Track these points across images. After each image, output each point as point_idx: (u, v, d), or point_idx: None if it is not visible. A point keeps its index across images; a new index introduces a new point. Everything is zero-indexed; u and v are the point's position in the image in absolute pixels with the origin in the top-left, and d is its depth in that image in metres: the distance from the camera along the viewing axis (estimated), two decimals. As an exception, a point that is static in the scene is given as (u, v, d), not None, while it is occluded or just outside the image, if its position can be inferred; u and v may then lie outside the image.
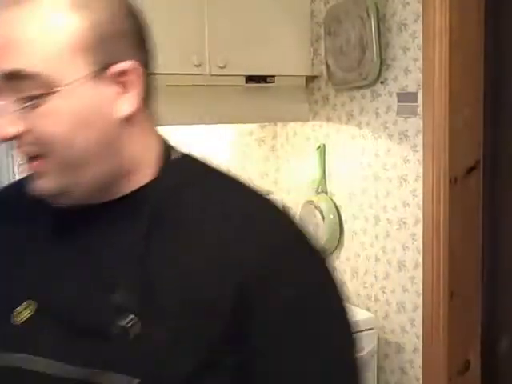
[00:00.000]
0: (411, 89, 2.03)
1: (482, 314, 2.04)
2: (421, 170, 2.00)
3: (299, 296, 0.71)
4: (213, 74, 2.11)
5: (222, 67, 2.11)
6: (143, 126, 0.77)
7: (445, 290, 1.96)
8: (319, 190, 2.40)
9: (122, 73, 0.72)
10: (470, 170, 1.92)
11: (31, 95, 0.68)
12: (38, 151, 0.71)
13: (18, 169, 2.16)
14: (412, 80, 2.03)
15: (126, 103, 0.73)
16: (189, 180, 0.79)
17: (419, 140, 2.01)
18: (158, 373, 0.68)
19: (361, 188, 2.26)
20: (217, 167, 0.83)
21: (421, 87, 1.97)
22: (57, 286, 0.74)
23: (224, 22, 2.13)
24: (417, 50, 2.00)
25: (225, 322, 0.69)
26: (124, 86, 0.73)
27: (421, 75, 1.97)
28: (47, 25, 0.67)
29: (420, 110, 1.99)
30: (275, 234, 0.74)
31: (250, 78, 2.21)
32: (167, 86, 2.03)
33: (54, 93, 0.68)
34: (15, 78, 0.68)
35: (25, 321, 0.73)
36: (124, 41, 0.73)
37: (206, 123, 2.27)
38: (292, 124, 2.56)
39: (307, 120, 2.43)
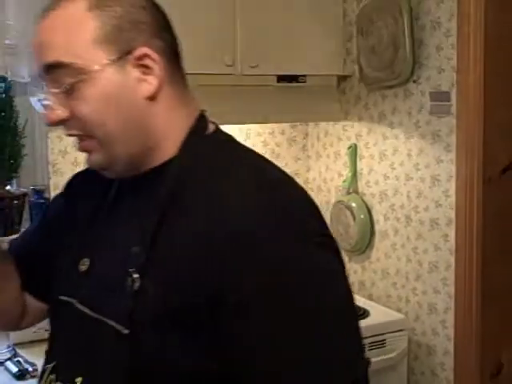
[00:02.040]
0: (444, 88, 1.99)
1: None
2: (454, 170, 1.97)
3: (278, 267, 0.77)
4: (244, 73, 2.10)
5: (253, 67, 2.10)
6: (168, 104, 0.87)
7: (477, 292, 1.92)
8: (350, 190, 2.37)
9: (140, 58, 0.83)
10: (505, 170, 1.87)
11: (67, 83, 0.82)
12: (81, 132, 0.86)
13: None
14: (445, 79, 1.99)
15: (147, 85, 0.84)
16: (203, 158, 0.87)
17: (452, 140, 1.98)
18: (146, 324, 0.80)
19: (392, 188, 2.23)
20: (238, 145, 0.92)
21: (454, 86, 1.93)
22: (101, 246, 0.90)
23: (256, 22, 2.12)
24: (450, 48, 1.96)
25: (206, 286, 0.77)
26: (143, 70, 0.84)
27: (454, 74, 1.93)
28: (71, 26, 0.82)
29: (453, 109, 1.95)
30: (262, 213, 0.80)
31: (281, 78, 2.20)
32: (199, 85, 2.03)
33: (83, 79, 0.82)
34: (53, 68, 0.83)
35: (83, 271, 0.90)
36: (140, 31, 0.84)
37: (237, 123, 2.26)
38: (323, 124, 2.54)
39: (339, 120, 2.40)
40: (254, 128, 2.52)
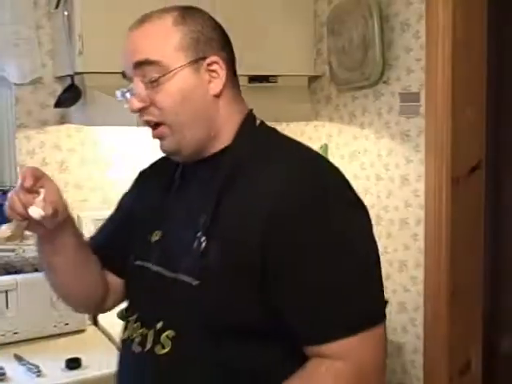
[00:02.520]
0: (414, 89, 2.01)
1: (483, 314, 2.02)
2: (423, 170, 1.99)
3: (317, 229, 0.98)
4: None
5: (224, 67, 2.09)
6: (227, 102, 1.09)
7: (446, 290, 1.95)
8: (321, 190, 2.38)
9: (210, 64, 1.06)
10: (473, 169, 1.90)
11: (152, 78, 1.03)
12: (157, 120, 1.06)
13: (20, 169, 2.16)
14: (415, 80, 2.01)
15: (214, 86, 1.07)
16: (253, 146, 1.08)
17: (421, 140, 1.99)
18: (211, 276, 1.00)
19: (363, 188, 2.24)
20: (280, 135, 1.16)
21: (423, 87, 1.95)
22: (171, 219, 1.12)
23: (227, 22, 2.10)
24: (419, 49, 1.98)
25: (256, 244, 0.98)
26: (212, 73, 1.06)
27: (423, 75, 1.95)
28: (159, 35, 1.06)
29: (422, 109, 1.97)
30: (306, 185, 1.00)
31: (252, 78, 2.19)
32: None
33: (165, 75, 1.03)
34: (142, 64, 1.04)
35: (155, 240, 1.12)
36: (211, 43, 1.08)
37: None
38: (294, 124, 2.54)
39: (310, 120, 2.41)
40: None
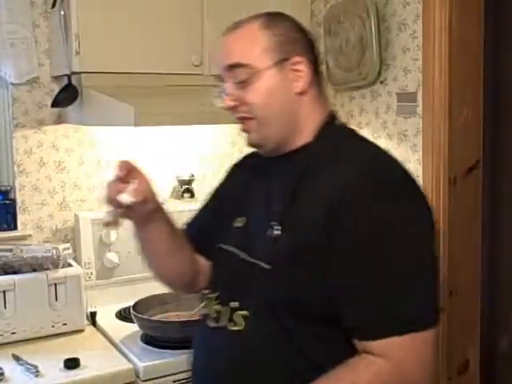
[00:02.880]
0: (411, 89, 2.02)
1: (481, 314, 2.02)
2: (420, 170, 1.99)
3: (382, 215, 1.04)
4: (212, 73, 2.07)
5: (221, 67, 2.09)
6: (310, 101, 1.18)
7: (444, 290, 1.95)
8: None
9: (294, 64, 1.16)
10: (470, 169, 1.90)
11: (242, 79, 1.15)
12: (247, 115, 1.17)
13: (18, 168, 2.16)
14: (412, 80, 2.02)
15: (298, 84, 1.16)
16: (330, 145, 1.16)
17: (419, 140, 2.00)
18: (282, 262, 1.09)
19: (360, 188, 2.24)
20: (358, 135, 1.23)
21: (420, 87, 1.96)
22: (252, 208, 1.23)
23: (223, 22, 2.10)
24: (416, 49, 1.98)
25: (322, 234, 1.06)
26: (296, 73, 1.16)
27: (420, 75, 1.95)
28: (248, 39, 1.17)
29: (420, 109, 1.97)
30: (378, 175, 1.09)
31: (249, 78, 2.19)
32: (166, 86, 2.02)
33: (253, 76, 1.14)
34: (234, 67, 1.16)
35: (236, 227, 1.23)
36: (294, 45, 1.17)
37: (205, 123, 2.25)
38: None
39: (307, 120, 2.40)
40: (223, 128, 2.52)
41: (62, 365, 1.69)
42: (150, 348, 1.81)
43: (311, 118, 1.18)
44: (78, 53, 1.89)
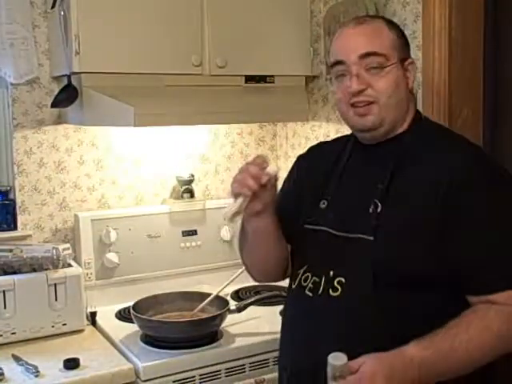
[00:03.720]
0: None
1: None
2: (420, 170, 1.99)
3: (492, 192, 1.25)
4: (212, 74, 2.09)
5: (221, 67, 2.10)
6: (410, 96, 1.40)
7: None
8: (318, 190, 2.38)
9: (408, 64, 1.37)
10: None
11: (375, 66, 1.33)
12: (371, 100, 1.33)
13: (18, 169, 2.16)
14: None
15: (409, 81, 1.37)
16: (423, 134, 1.37)
17: (418, 140, 2.00)
18: (385, 234, 1.26)
19: (360, 188, 2.24)
20: (445, 128, 1.50)
21: (420, 87, 1.96)
22: (342, 190, 1.39)
23: (224, 22, 2.12)
24: (416, 50, 1.98)
25: (435, 207, 1.24)
26: (408, 72, 1.37)
27: (420, 75, 1.95)
28: (383, 33, 1.36)
29: (419, 109, 1.97)
30: (475, 164, 1.29)
31: (249, 78, 2.20)
32: (166, 86, 2.03)
33: (386, 67, 1.33)
34: (369, 55, 1.33)
35: (323, 207, 1.40)
36: (408, 47, 1.41)
37: (205, 123, 2.26)
38: (292, 124, 2.55)
39: (307, 120, 2.42)
40: (223, 128, 2.52)
41: (61, 365, 1.70)
42: (150, 348, 1.82)
43: (409, 112, 1.39)
44: (77, 53, 1.90)
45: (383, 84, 1.32)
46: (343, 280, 1.28)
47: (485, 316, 1.19)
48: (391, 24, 1.40)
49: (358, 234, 1.29)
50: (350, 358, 1.14)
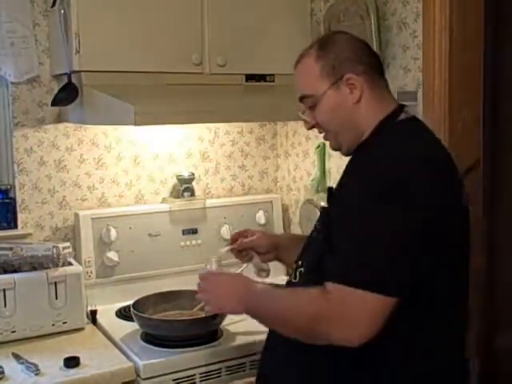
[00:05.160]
0: (411, 88, 2.02)
1: (478, 314, 2.03)
2: (420, 169, 1.99)
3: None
4: (212, 72, 2.10)
5: (221, 66, 2.10)
6: (367, 104, 1.40)
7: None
8: (319, 189, 2.39)
9: (348, 80, 1.39)
10: (469, 170, 1.91)
11: (310, 105, 1.44)
12: (323, 130, 1.47)
13: (18, 167, 2.16)
14: (412, 79, 2.02)
15: (353, 96, 1.39)
16: (378, 138, 1.38)
17: (419, 139, 2.00)
18: (327, 232, 1.35)
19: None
20: (406, 130, 1.40)
21: (421, 86, 1.96)
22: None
23: (224, 21, 2.12)
24: (417, 48, 1.99)
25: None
26: (350, 86, 1.39)
27: (421, 74, 1.96)
28: (307, 72, 1.43)
29: (420, 109, 1.98)
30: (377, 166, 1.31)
31: (249, 77, 2.20)
32: (167, 84, 2.03)
33: (317, 101, 1.42)
34: (303, 98, 1.45)
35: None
36: (346, 64, 1.40)
37: (205, 122, 2.26)
38: (292, 123, 2.56)
39: (307, 119, 2.41)
40: (223, 127, 2.52)
41: (62, 363, 1.70)
42: (150, 346, 1.82)
43: (372, 119, 1.40)
44: (78, 51, 1.90)
45: (320, 117, 1.43)
46: (301, 270, 1.45)
47: (309, 293, 1.31)
48: (324, 50, 1.42)
49: (317, 232, 1.47)
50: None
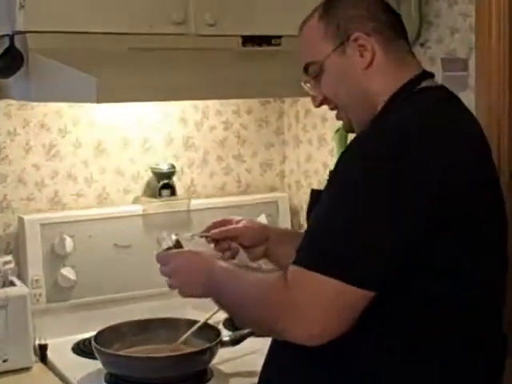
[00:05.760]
0: (460, 53, 2.02)
1: None
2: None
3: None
4: (199, 33, 2.08)
5: (211, 25, 2.08)
6: (381, 70, 1.45)
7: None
8: (338, 186, 2.37)
9: (355, 40, 1.44)
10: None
11: (314, 75, 1.51)
12: (332, 104, 1.54)
13: None
14: (461, 42, 2.02)
15: (363, 60, 1.45)
16: (391, 108, 1.42)
17: (470, 121, 1.99)
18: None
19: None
20: (427, 97, 1.44)
21: (473, 52, 1.95)
22: None
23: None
24: (467, 2, 1.98)
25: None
26: (360, 48, 1.45)
27: (473, 36, 1.95)
28: (310, 36, 1.52)
29: (472, 81, 1.98)
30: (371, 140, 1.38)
31: (247, 40, 2.18)
32: (140, 50, 2.00)
33: (321, 69, 1.49)
34: (307, 68, 1.52)
35: None
36: (353, 22, 1.46)
37: (191, 98, 2.27)
38: (303, 100, 2.54)
39: (323, 94, 2.39)
40: (213, 105, 2.52)
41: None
42: (117, 392, 1.83)
43: (385, 88, 1.45)
44: (22, 6, 1.88)
45: (325, 89, 1.51)
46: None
47: (268, 276, 1.43)
48: (328, 9, 1.49)
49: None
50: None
